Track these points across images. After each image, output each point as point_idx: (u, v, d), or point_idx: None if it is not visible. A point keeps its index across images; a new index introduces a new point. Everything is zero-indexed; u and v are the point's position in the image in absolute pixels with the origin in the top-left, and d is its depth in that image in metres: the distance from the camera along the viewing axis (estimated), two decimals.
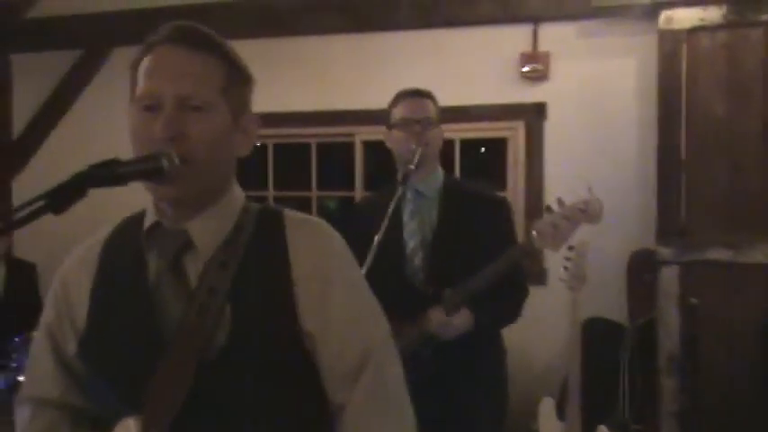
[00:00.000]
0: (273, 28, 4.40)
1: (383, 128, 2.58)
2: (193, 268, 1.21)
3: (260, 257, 1.21)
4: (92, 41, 4.99)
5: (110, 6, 4.79)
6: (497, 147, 4.56)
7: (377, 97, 4.27)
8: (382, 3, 4.36)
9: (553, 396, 3.44)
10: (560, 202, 2.40)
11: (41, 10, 5.08)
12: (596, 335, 4.00)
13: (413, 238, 2.45)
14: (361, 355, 1.21)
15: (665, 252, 3.82)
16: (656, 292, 3.86)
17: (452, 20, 4.29)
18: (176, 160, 1.12)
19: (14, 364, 3.56)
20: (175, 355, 1.15)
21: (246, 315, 1.16)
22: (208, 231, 1.22)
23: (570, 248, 2.72)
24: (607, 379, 3.95)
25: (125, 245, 1.27)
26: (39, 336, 1.30)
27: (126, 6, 4.74)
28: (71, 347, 1.27)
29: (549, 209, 2.40)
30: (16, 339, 3.58)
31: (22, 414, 1.30)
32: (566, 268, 2.81)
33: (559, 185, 4.11)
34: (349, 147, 4.72)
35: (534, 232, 2.39)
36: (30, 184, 5.22)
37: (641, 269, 4.06)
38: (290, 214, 1.28)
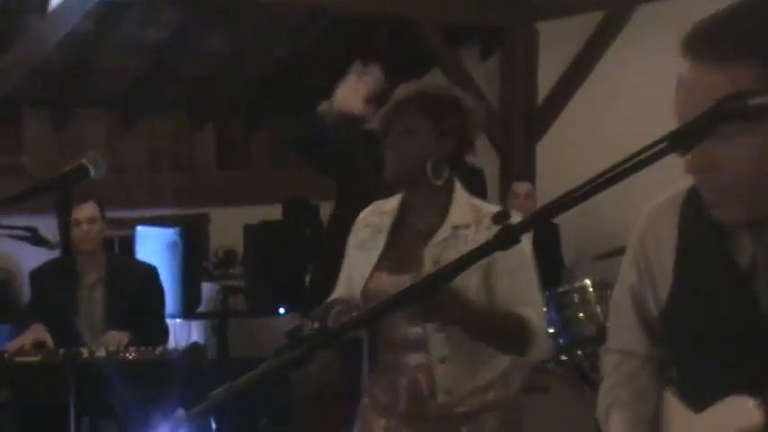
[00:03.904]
0: None
1: None
2: None
3: None
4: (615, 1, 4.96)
5: None
6: None
7: None
8: None
9: None
10: None
11: None
12: None
13: None
14: None
15: None
16: None
17: None
18: None
19: None
20: None
21: None
22: None
23: None
24: None
25: (701, 207, 1.15)
26: (620, 292, 1.30)
27: None
28: (652, 308, 1.24)
29: None
30: None
31: (608, 361, 1.35)
32: None
33: None
34: None
35: None
36: (551, 148, 5.45)
37: None
38: None
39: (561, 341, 3.81)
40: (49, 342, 3.16)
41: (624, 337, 1.31)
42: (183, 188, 6.11)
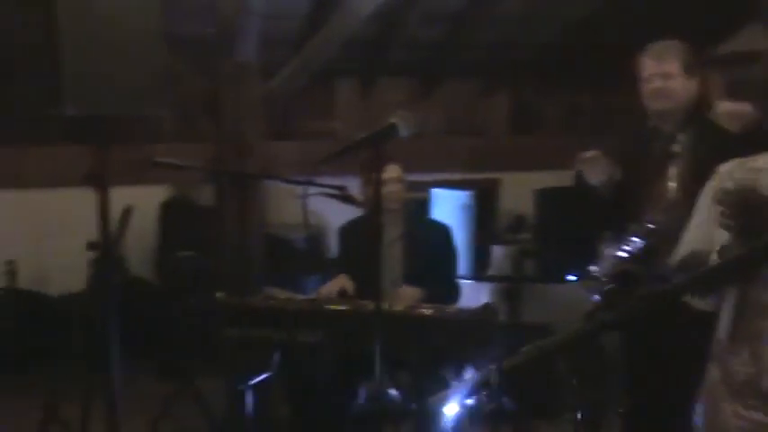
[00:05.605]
0: None
1: None
2: None
3: None
4: None
5: None
6: None
7: None
8: None
9: None
10: None
11: None
12: None
13: None
14: None
15: None
16: None
17: None
18: None
19: None
20: None
21: None
22: None
23: None
24: None
25: None
26: None
27: None
28: None
29: None
30: None
31: None
32: None
33: None
34: None
35: None
36: None
37: None
38: None
39: None
40: (351, 291, 3.41)
41: None
42: (475, 153, 6.22)
